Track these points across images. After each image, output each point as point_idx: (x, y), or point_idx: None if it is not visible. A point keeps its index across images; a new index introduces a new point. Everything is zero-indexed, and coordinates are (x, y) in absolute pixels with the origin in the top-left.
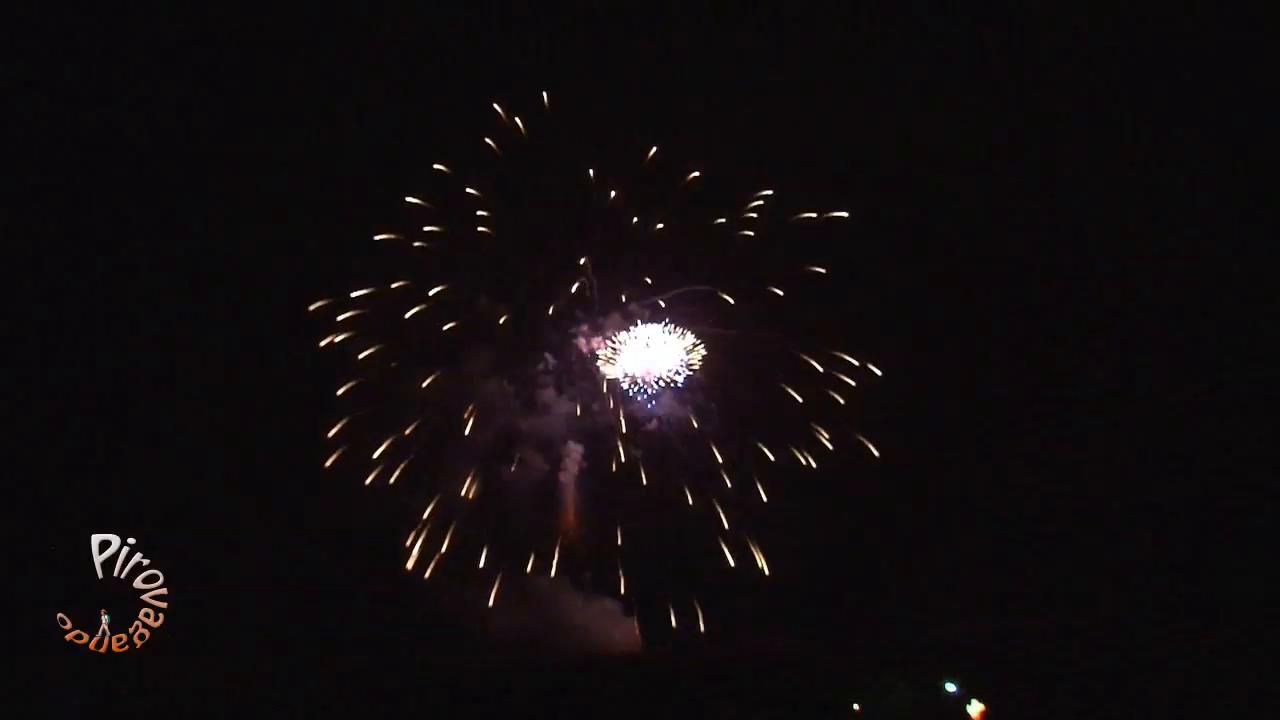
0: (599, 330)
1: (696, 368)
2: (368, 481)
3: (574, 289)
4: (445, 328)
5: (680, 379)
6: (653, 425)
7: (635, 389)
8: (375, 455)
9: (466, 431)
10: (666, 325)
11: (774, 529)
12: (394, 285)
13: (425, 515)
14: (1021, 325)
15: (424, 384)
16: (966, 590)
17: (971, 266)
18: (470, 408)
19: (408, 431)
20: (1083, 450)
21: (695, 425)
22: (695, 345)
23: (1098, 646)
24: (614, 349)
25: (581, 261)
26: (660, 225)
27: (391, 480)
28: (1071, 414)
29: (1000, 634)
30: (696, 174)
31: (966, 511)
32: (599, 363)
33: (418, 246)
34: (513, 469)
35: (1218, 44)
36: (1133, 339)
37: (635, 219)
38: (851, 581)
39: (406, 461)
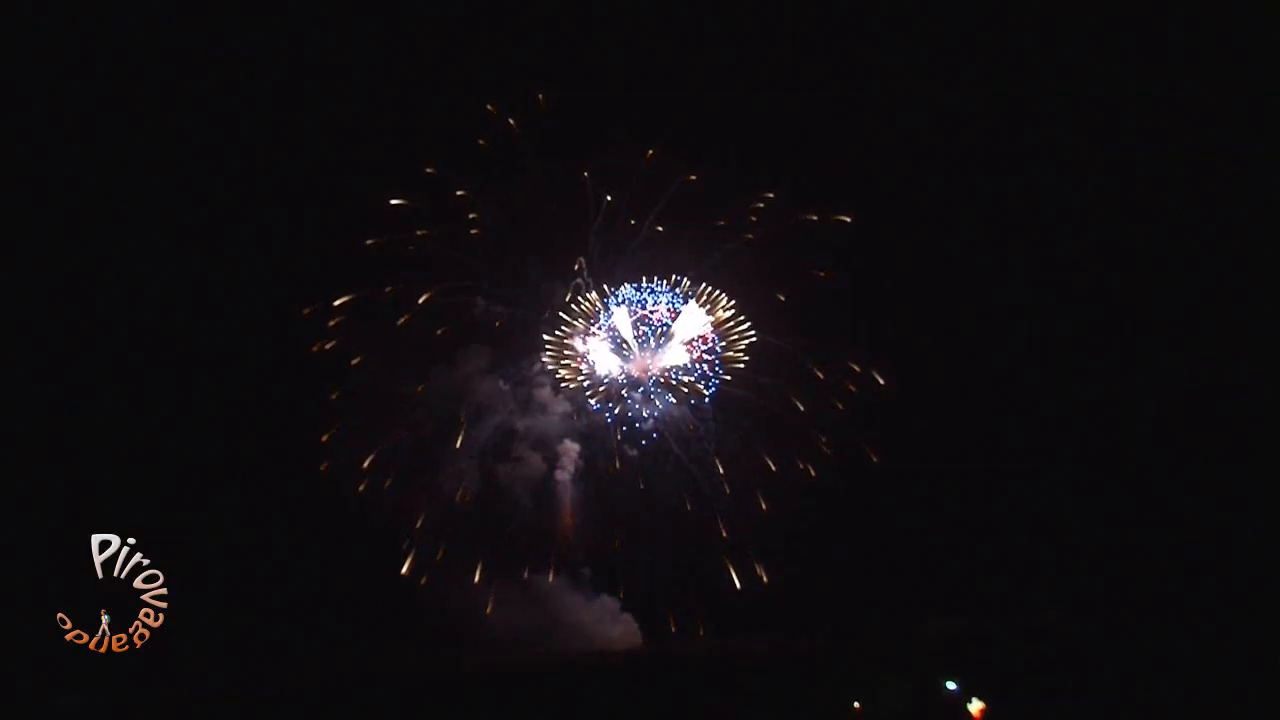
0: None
1: (742, 362)
2: (365, 483)
3: (570, 291)
4: (439, 330)
5: (708, 388)
6: (650, 426)
7: (602, 405)
8: (373, 455)
9: (463, 432)
10: (675, 292)
11: (773, 531)
12: (388, 289)
13: (424, 515)
14: (1022, 327)
15: (420, 386)
16: (966, 590)
17: (973, 270)
18: (466, 408)
19: (405, 432)
20: (1083, 450)
21: (693, 427)
22: (737, 324)
23: (1098, 646)
24: (579, 352)
25: (577, 265)
26: (660, 228)
27: (389, 480)
28: (1072, 414)
29: (1000, 634)
30: (694, 176)
31: (967, 511)
32: (556, 369)
33: (412, 249)
34: (510, 469)
35: (1217, 44)
36: (1134, 341)
37: (633, 220)
38: (851, 580)
39: (404, 462)
